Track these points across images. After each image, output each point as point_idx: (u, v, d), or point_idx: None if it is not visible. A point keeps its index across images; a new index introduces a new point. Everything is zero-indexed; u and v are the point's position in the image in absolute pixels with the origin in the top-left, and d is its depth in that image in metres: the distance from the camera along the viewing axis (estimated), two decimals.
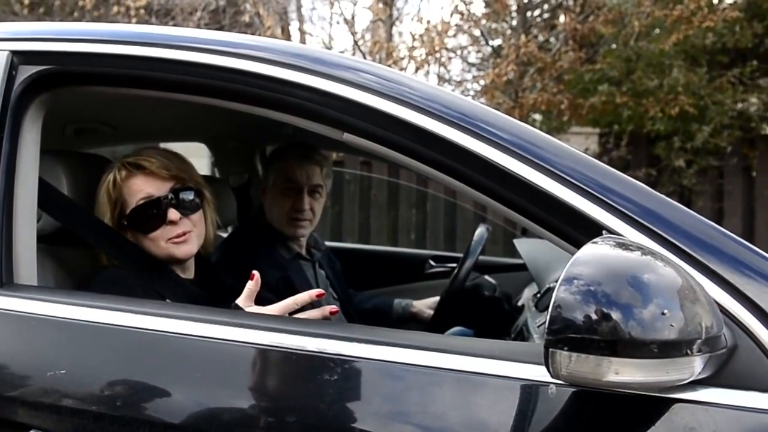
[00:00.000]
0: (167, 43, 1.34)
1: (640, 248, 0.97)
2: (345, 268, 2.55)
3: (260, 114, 1.33)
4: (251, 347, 1.14)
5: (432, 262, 3.02)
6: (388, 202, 6.77)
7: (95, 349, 1.21)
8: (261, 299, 2.05)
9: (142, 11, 7.84)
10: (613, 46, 7.20)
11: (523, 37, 6.95)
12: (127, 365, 1.18)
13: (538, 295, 2.02)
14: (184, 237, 1.67)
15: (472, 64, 8.93)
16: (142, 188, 1.66)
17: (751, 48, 7.06)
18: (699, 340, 0.91)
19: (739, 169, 6.77)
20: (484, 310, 2.45)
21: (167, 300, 1.62)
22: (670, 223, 1.10)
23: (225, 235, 2.52)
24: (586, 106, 6.89)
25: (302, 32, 10.14)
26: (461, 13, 7.55)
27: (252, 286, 1.48)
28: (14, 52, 1.38)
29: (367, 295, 2.68)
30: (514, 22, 7.61)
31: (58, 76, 1.40)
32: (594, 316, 0.88)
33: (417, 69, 7.46)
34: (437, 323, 2.33)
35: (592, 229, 1.09)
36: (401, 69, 7.30)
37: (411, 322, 2.50)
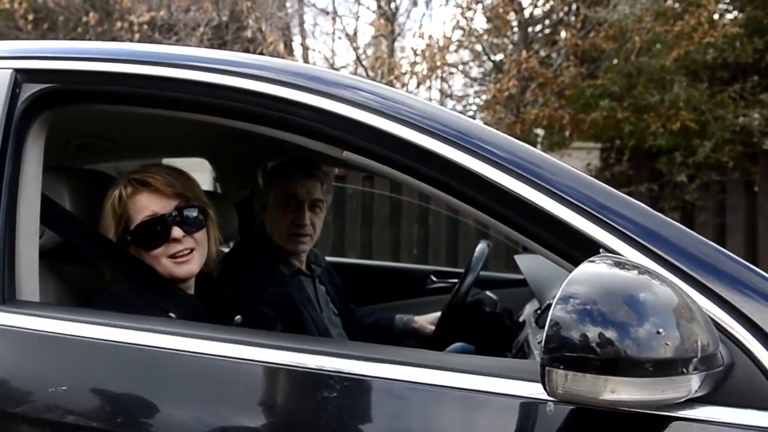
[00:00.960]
0: (168, 61, 1.36)
1: (637, 267, 0.98)
2: (346, 284, 2.55)
3: (261, 132, 1.34)
4: (251, 364, 1.15)
5: (433, 278, 3.02)
6: (390, 217, 6.78)
7: (97, 365, 1.21)
8: (260, 315, 2.06)
9: (145, 27, 7.89)
10: (615, 61, 7.22)
11: (524, 52, 6.98)
12: (128, 382, 1.19)
13: (539, 311, 2.03)
14: (186, 256, 1.68)
15: (474, 80, 8.97)
16: (147, 205, 1.67)
17: (752, 63, 7.08)
18: (695, 359, 0.92)
19: (741, 184, 6.77)
20: (485, 326, 2.44)
21: (171, 314, 1.63)
22: (668, 242, 1.10)
23: (226, 250, 2.53)
24: (588, 121, 6.91)
25: (305, 47, 10.18)
26: (463, 29, 7.59)
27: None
28: (17, 70, 1.39)
29: (368, 310, 2.68)
30: (516, 38, 7.65)
31: (61, 94, 1.42)
32: (590, 335, 0.89)
33: (419, 84, 7.50)
34: (438, 339, 2.33)
35: (590, 248, 1.09)
36: (403, 84, 7.33)
37: (412, 337, 2.49)
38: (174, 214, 1.67)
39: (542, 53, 7.57)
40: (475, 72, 9.07)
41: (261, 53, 7.37)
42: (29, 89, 1.38)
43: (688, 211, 6.78)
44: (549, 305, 1.93)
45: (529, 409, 1.03)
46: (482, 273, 2.42)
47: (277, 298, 2.13)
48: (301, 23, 10.62)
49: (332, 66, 9.17)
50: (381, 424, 1.09)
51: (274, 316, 2.09)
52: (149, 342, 1.19)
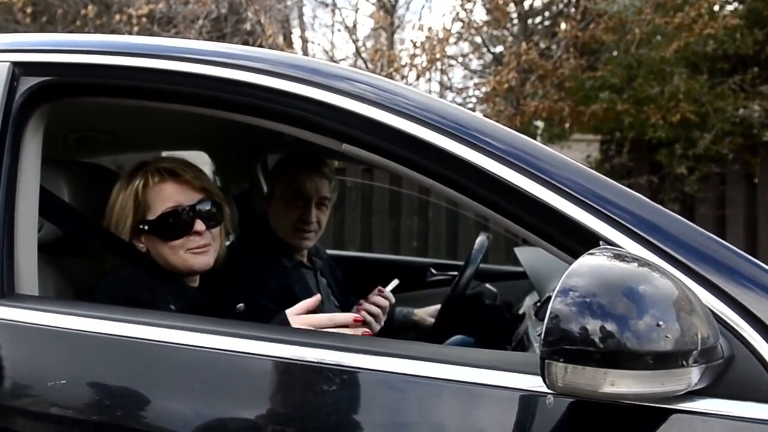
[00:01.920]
0: (166, 54, 1.35)
1: (637, 259, 0.97)
2: (347, 276, 2.55)
3: (259, 124, 1.34)
4: (251, 358, 1.15)
5: (433, 270, 3.02)
6: (389, 210, 6.78)
7: (96, 359, 1.21)
8: (261, 307, 2.06)
9: (144, 20, 7.86)
10: (614, 53, 7.21)
11: (524, 44, 6.97)
12: (127, 375, 1.19)
13: (539, 304, 2.02)
14: (204, 249, 1.68)
15: (474, 72, 8.95)
16: (173, 195, 1.67)
17: (752, 55, 7.06)
18: (695, 351, 0.91)
19: (741, 176, 6.76)
20: (484, 319, 2.45)
21: (171, 307, 1.63)
22: (668, 234, 1.10)
23: (227, 243, 2.53)
24: (588, 113, 6.90)
25: (304, 40, 10.16)
26: (462, 21, 7.57)
27: (311, 302, 1.53)
28: (15, 64, 1.39)
29: None
30: (515, 30, 7.63)
31: (59, 87, 1.41)
32: (589, 328, 0.88)
33: (418, 76, 7.49)
34: (438, 331, 2.33)
35: (590, 240, 1.09)
36: (403, 77, 7.32)
37: (412, 330, 2.50)
38: (198, 207, 1.67)
39: (542, 45, 7.56)
40: (475, 64, 9.06)
41: (260, 46, 7.36)
42: (27, 82, 1.38)
43: (688, 203, 6.78)
44: (549, 298, 1.92)
45: (528, 401, 1.03)
46: (482, 265, 2.42)
47: (278, 291, 2.13)
48: (301, 15, 10.61)
49: (332, 58, 9.16)
50: (380, 417, 1.09)
51: (275, 310, 2.09)
52: (149, 336, 1.19)
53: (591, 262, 0.94)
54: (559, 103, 6.87)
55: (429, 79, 9.00)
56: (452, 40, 7.77)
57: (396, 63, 7.34)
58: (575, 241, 1.11)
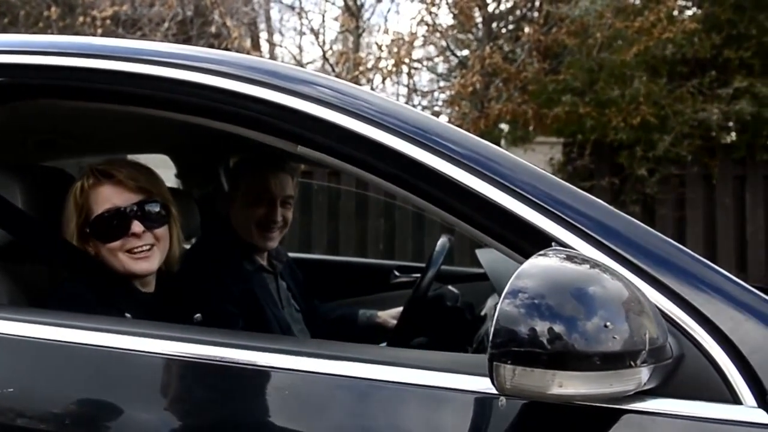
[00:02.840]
0: (120, 55, 1.34)
1: (587, 261, 0.98)
2: (310, 279, 2.54)
3: (216, 127, 1.33)
4: (207, 363, 1.13)
5: (397, 273, 3.02)
6: (356, 213, 6.77)
7: (47, 366, 1.19)
8: (224, 313, 2.04)
9: (108, 22, 7.75)
10: (576, 57, 7.29)
11: (488, 48, 7.01)
12: (80, 383, 1.17)
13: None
14: (145, 253, 1.66)
15: (440, 75, 8.99)
16: (109, 197, 1.64)
17: (710, 59, 7.20)
18: (644, 351, 0.92)
19: (700, 178, 6.89)
20: (446, 320, 2.45)
21: (126, 314, 1.60)
22: (621, 236, 1.11)
23: (188, 246, 2.50)
24: (551, 116, 6.97)
25: (271, 43, 10.10)
26: (428, 24, 7.60)
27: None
28: None
29: (332, 306, 2.67)
30: (480, 33, 7.68)
31: (13, 89, 1.39)
32: (537, 329, 0.89)
33: (384, 80, 7.49)
34: (401, 333, 2.33)
35: (545, 243, 1.10)
36: (368, 80, 7.32)
37: (376, 332, 2.49)
38: (135, 208, 1.65)
39: (506, 49, 7.61)
40: (441, 68, 9.10)
41: (226, 49, 7.30)
42: None
43: (648, 205, 6.88)
44: None
45: (483, 404, 1.04)
46: (444, 267, 2.42)
47: (239, 294, 2.11)
48: (268, 19, 10.55)
49: (299, 62, 9.12)
50: (333, 421, 1.08)
51: (237, 314, 2.07)
52: (102, 342, 1.17)
53: (541, 263, 0.95)
54: (522, 106, 6.92)
55: (396, 83, 9.02)
56: (418, 43, 7.79)
57: (362, 66, 7.34)
58: (528, 242, 1.11)
